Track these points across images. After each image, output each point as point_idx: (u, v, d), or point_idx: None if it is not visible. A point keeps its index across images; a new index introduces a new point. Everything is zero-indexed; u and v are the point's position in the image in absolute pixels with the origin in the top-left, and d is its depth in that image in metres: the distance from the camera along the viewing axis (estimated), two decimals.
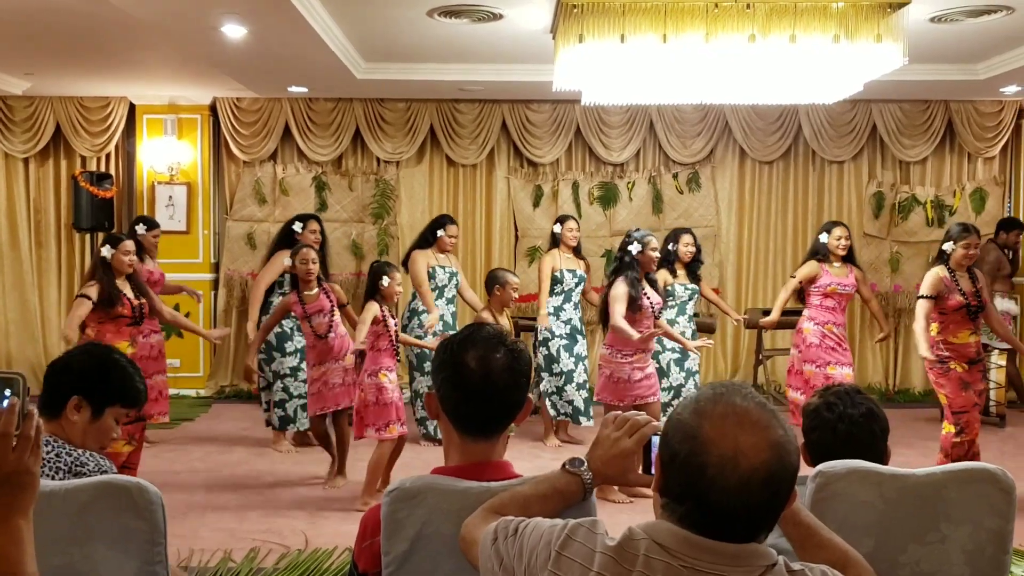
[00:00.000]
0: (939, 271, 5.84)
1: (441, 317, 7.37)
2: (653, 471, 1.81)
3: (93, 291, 5.65)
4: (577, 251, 7.67)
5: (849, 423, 2.53)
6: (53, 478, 2.35)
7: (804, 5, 5.58)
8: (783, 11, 5.57)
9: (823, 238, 6.92)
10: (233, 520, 5.61)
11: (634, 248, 6.02)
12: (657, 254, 6.19)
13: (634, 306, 5.95)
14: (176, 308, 7.79)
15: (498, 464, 2.07)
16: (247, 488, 6.28)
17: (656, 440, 1.83)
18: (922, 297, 5.86)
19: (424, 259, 7.51)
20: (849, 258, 6.89)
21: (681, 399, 1.58)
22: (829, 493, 2.24)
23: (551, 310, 7.44)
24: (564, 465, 1.89)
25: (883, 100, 9.24)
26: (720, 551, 1.47)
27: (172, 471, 6.63)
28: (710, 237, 9.44)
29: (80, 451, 2.50)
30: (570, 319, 7.50)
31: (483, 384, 2.02)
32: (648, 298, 6.02)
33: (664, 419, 1.62)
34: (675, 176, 9.59)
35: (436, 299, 7.46)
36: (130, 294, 5.78)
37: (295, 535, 5.34)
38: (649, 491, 1.86)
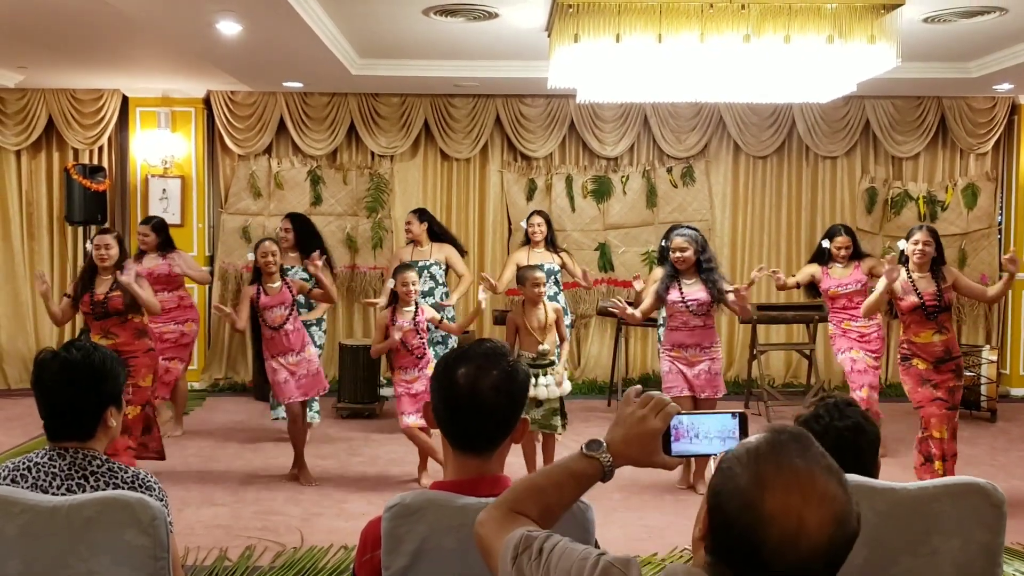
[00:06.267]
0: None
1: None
2: (672, 453, 1.75)
3: (71, 286, 6.09)
4: (550, 244, 7.69)
5: (836, 436, 2.55)
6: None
7: (798, 5, 5.60)
8: (777, 11, 5.59)
9: (825, 243, 7.13)
10: (228, 517, 5.64)
11: (665, 243, 6.24)
12: (679, 254, 6.03)
13: (661, 299, 6.09)
14: None
15: (494, 479, 2.09)
16: (242, 483, 6.31)
17: (675, 422, 1.75)
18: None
19: (397, 255, 7.90)
20: (856, 258, 7.03)
21: (733, 448, 1.46)
22: None
23: None
24: (581, 449, 1.78)
25: (876, 96, 9.26)
26: None
27: (167, 466, 6.64)
28: (704, 231, 9.41)
29: (136, 469, 2.48)
30: None
31: (470, 401, 2.04)
32: (681, 293, 6.02)
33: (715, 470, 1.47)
34: (669, 170, 9.61)
35: None
36: (101, 289, 5.91)
37: (291, 532, 5.37)
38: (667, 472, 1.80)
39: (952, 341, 5.76)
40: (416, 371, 6.16)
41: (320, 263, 6.32)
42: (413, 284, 6.14)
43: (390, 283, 6.26)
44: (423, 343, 6.22)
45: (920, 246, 5.72)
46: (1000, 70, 7.74)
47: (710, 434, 1.75)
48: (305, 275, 7.24)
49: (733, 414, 1.77)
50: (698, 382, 6.04)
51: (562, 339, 6.19)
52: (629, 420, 1.75)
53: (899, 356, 5.92)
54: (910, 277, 5.75)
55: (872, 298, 5.99)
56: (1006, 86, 8.61)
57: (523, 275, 6.23)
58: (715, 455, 1.69)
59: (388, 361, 6.41)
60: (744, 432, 1.76)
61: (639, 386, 1.85)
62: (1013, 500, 2.54)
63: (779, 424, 1.48)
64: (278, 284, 6.33)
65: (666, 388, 6.07)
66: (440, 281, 7.73)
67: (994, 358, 8.58)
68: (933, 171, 9.69)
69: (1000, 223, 9.68)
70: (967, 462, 7.00)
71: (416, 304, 6.19)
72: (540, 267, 6.62)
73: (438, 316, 6.40)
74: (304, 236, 7.63)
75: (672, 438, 1.74)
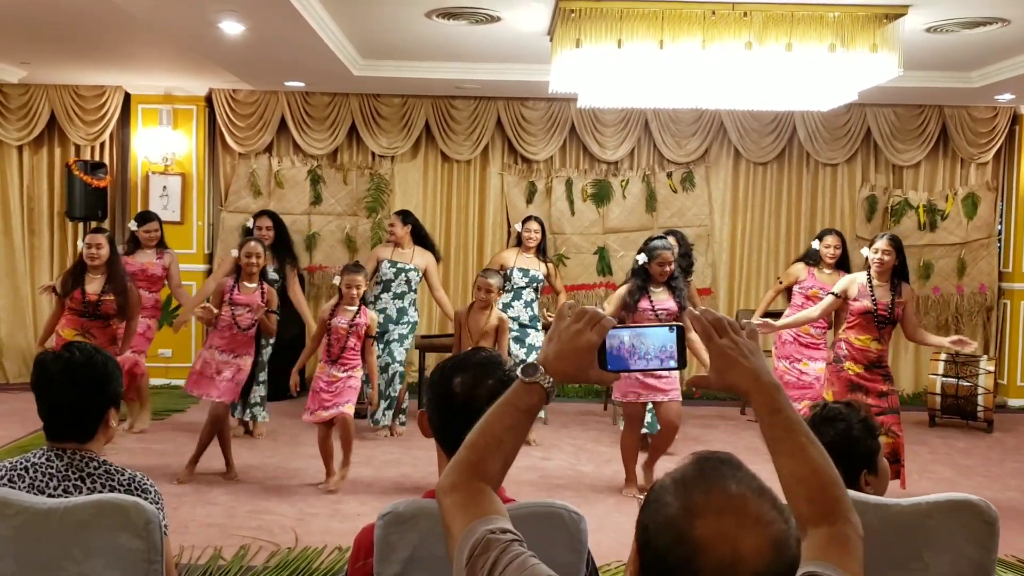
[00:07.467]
0: (859, 276, 5.94)
1: (383, 311, 7.60)
2: (608, 368, 1.69)
3: (59, 281, 6.11)
4: (541, 252, 7.75)
5: None
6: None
7: (801, 14, 5.62)
8: (780, 19, 5.60)
9: (815, 244, 7.23)
10: (223, 515, 5.64)
11: (641, 258, 6.12)
12: (667, 268, 6.05)
13: (629, 308, 6.05)
14: (167, 301, 7.83)
15: None
16: (236, 482, 6.30)
17: (613, 337, 1.68)
18: (832, 294, 6.08)
19: (376, 253, 7.94)
20: (842, 266, 7.01)
21: (661, 478, 1.37)
22: None
23: (499, 306, 7.35)
24: (520, 377, 1.69)
25: (877, 104, 9.26)
26: None
27: (164, 463, 6.65)
28: (703, 237, 9.49)
29: (132, 471, 2.48)
30: (518, 316, 7.57)
31: (465, 410, 2.05)
32: (651, 302, 6.04)
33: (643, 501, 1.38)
34: (669, 175, 9.61)
35: (381, 292, 7.67)
36: (93, 288, 5.89)
37: (285, 532, 5.36)
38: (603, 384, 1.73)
39: (885, 352, 5.85)
40: (340, 371, 6.11)
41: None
42: (358, 287, 6.14)
43: (337, 279, 6.27)
44: (355, 346, 6.14)
45: (879, 255, 5.78)
46: (1002, 80, 7.74)
47: (648, 351, 1.68)
48: (275, 276, 7.36)
49: (671, 327, 1.69)
50: (651, 383, 6.02)
51: (500, 350, 6.10)
52: (564, 335, 1.68)
53: (832, 355, 5.99)
54: (870, 283, 5.81)
55: (827, 300, 6.17)
56: (1007, 96, 8.62)
57: (478, 278, 6.44)
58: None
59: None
60: (682, 348, 1.69)
61: (573, 301, 1.80)
62: (1007, 511, 2.54)
63: (705, 451, 1.40)
64: (254, 286, 6.33)
65: (620, 391, 6.09)
66: (413, 287, 7.75)
67: (992, 368, 8.58)
68: (933, 180, 9.69)
69: (1000, 233, 9.68)
70: (961, 473, 7.02)
71: (360, 307, 6.16)
72: (496, 273, 6.62)
73: (375, 324, 6.29)
74: (279, 238, 7.73)
75: (608, 352, 1.67)
